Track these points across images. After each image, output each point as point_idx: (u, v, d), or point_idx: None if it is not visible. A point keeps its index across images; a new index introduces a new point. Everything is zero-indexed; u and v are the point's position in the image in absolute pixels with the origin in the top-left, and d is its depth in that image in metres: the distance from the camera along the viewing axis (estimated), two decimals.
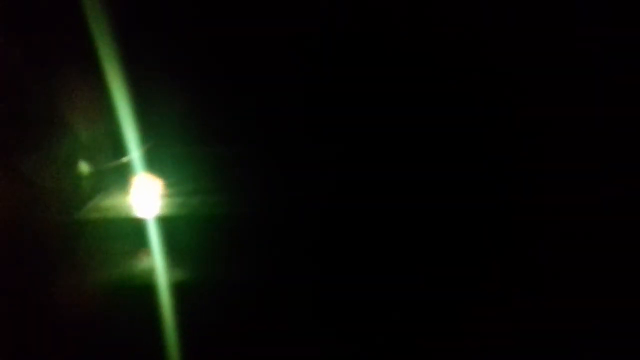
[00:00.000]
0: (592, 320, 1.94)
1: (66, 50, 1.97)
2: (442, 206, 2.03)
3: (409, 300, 1.99)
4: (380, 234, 2.03)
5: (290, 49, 2.03)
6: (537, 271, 2.01)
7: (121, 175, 2.07)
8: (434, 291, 2.00)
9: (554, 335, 1.96)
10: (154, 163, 2.06)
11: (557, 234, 2.01)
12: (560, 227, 2.01)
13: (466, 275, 2.02)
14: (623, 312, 1.95)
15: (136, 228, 2.00)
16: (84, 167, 2.06)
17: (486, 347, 1.94)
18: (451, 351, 1.96)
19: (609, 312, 1.94)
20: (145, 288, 1.96)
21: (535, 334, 1.96)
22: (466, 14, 2.02)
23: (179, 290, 1.95)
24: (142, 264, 2.00)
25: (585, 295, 1.95)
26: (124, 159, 2.03)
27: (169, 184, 2.09)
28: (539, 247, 2.02)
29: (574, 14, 1.98)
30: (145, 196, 2.09)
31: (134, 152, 2.01)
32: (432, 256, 2.02)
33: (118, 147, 2.01)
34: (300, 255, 2.04)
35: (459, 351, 1.96)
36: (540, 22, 2.00)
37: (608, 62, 1.99)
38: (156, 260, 1.97)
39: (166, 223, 2.01)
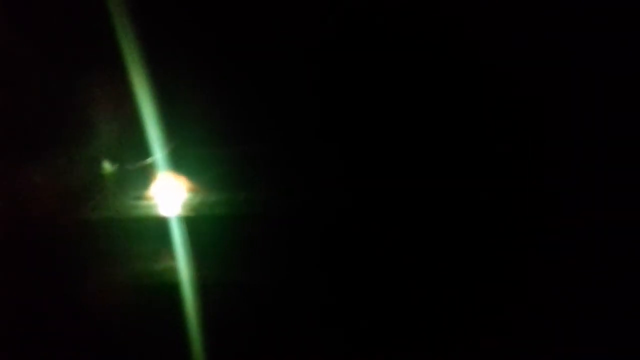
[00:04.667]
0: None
1: (91, 51, 1.99)
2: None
3: (425, 303, 2.02)
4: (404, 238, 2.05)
5: (312, 53, 2.05)
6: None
7: (145, 174, 2.08)
8: (448, 296, 2.02)
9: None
10: (177, 163, 2.07)
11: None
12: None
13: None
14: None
15: (159, 227, 2.02)
16: (108, 167, 2.08)
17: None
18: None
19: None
20: (167, 287, 1.98)
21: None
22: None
23: (201, 289, 1.97)
24: (164, 263, 2.01)
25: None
26: (149, 159, 2.05)
27: (192, 184, 2.09)
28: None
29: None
30: (169, 195, 2.10)
31: (158, 152, 2.03)
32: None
33: (142, 147, 2.03)
34: (322, 255, 2.05)
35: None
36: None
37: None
38: (178, 260, 1.98)
39: (189, 222, 2.02)
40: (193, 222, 2.03)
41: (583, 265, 1.99)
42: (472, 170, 2.06)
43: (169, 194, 2.10)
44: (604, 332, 1.95)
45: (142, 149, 2.03)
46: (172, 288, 1.98)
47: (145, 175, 2.08)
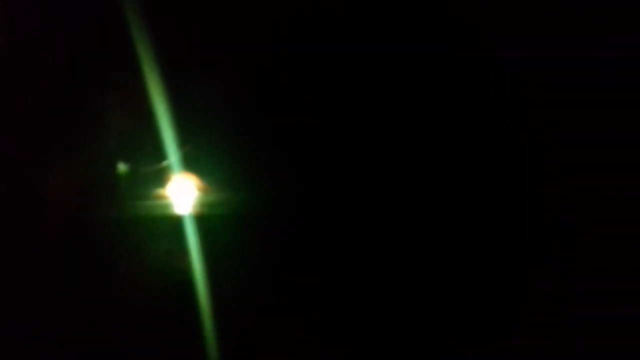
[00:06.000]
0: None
1: (107, 53, 2.01)
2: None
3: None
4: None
5: (325, 55, 2.07)
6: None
7: (160, 175, 2.08)
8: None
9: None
10: (192, 164, 2.07)
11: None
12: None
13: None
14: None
15: (174, 227, 2.03)
16: (123, 167, 2.08)
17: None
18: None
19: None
20: (181, 285, 2.00)
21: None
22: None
23: (214, 288, 1.99)
24: (177, 262, 2.02)
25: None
26: (164, 161, 2.05)
27: (206, 184, 2.09)
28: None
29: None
30: (183, 195, 2.09)
31: (173, 153, 2.03)
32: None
33: (157, 149, 2.03)
34: (337, 255, 2.06)
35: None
36: None
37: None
38: (192, 259, 2.00)
39: (203, 222, 2.03)
40: (207, 222, 2.04)
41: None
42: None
43: (183, 194, 2.09)
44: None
45: (157, 150, 2.03)
46: (185, 287, 1.99)
47: (160, 175, 2.07)
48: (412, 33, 2.07)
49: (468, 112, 2.09)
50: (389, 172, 2.09)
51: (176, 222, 2.04)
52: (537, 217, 2.06)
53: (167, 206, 2.07)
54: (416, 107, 2.09)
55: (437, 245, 2.05)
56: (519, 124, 2.08)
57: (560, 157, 2.05)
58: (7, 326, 1.95)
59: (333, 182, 2.09)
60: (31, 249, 1.98)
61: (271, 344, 2.01)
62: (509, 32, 2.03)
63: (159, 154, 2.04)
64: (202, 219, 2.04)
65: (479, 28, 2.06)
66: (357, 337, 2.02)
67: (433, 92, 2.09)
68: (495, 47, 2.05)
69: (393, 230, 2.07)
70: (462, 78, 2.09)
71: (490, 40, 2.05)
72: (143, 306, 1.99)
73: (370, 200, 2.08)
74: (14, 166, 2.01)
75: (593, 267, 2.00)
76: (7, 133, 2.01)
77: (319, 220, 2.07)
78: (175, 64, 1.99)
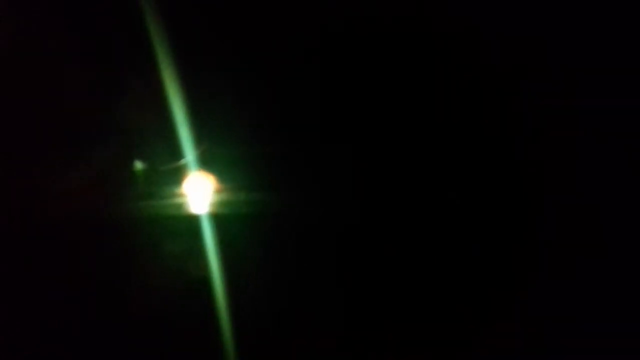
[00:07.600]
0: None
1: (124, 53, 2.04)
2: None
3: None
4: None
5: (341, 56, 2.10)
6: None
7: (177, 174, 2.10)
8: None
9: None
10: (209, 163, 2.10)
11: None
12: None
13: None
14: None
15: (189, 225, 2.07)
16: (140, 166, 2.11)
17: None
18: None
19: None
20: (197, 284, 2.03)
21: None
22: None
23: (230, 287, 2.02)
24: (193, 260, 2.06)
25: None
26: (181, 159, 2.07)
27: (222, 183, 2.12)
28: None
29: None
30: (199, 194, 2.11)
31: (190, 152, 2.06)
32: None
33: (174, 147, 2.05)
34: (349, 255, 2.09)
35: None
36: None
37: None
38: (209, 258, 2.03)
39: (219, 221, 2.06)
40: (223, 220, 2.06)
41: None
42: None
43: (200, 193, 2.11)
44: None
45: (174, 149, 2.05)
46: (201, 286, 2.02)
47: (177, 174, 2.09)
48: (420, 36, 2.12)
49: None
50: (400, 172, 2.12)
51: (193, 221, 2.07)
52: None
53: (184, 204, 2.09)
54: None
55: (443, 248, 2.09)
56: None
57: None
58: (22, 324, 1.99)
59: (352, 183, 2.12)
60: (47, 247, 2.01)
61: (288, 345, 2.04)
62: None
63: (176, 152, 2.06)
64: (219, 217, 2.07)
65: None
66: (374, 339, 2.04)
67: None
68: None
69: (407, 232, 2.10)
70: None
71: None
72: (159, 305, 2.02)
73: (387, 201, 2.11)
74: (31, 164, 2.04)
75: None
76: (24, 131, 2.03)
77: (336, 221, 2.10)
78: (193, 63, 2.01)
